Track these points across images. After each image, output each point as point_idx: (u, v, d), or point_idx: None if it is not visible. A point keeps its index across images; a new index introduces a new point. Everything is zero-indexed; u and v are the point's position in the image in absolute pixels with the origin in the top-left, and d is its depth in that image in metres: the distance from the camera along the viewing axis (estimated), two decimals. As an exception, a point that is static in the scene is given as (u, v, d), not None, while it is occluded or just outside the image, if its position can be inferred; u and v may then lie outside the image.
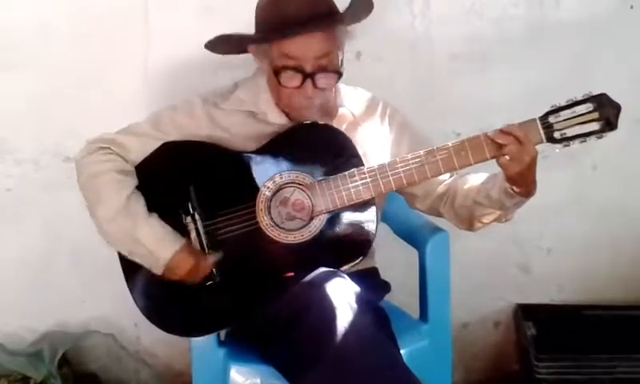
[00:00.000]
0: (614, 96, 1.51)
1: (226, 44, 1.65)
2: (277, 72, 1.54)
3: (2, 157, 2.11)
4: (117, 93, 2.06)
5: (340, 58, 1.59)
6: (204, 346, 1.67)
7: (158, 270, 1.55)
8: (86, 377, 2.12)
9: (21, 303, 2.16)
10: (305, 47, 1.52)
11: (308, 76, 1.53)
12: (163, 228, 1.57)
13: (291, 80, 1.55)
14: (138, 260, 1.57)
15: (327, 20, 1.55)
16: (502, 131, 1.49)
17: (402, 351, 1.48)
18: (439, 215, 1.75)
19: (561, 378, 1.99)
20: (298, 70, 1.53)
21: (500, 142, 1.48)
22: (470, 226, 1.69)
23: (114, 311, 2.15)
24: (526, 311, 2.21)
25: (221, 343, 1.70)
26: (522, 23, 2.12)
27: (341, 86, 1.68)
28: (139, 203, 1.58)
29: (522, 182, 1.52)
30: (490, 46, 2.13)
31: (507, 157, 1.47)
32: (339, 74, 1.58)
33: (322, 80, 1.55)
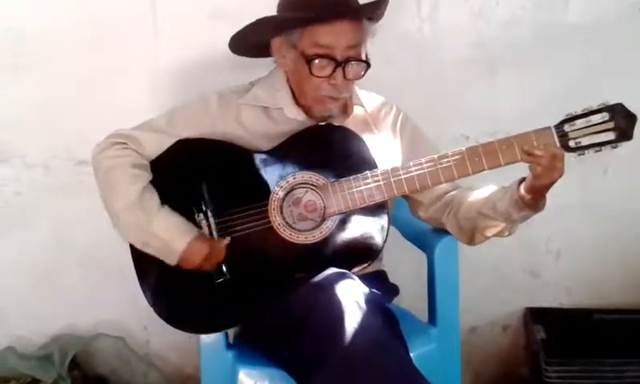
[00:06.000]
0: (622, 100, 1.51)
1: (255, 34, 1.64)
2: (309, 61, 1.56)
3: (12, 161, 2.12)
4: (126, 97, 2.07)
5: (365, 52, 1.61)
6: (213, 349, 1.68)
7: (172, 261, 1.57)
8: (96, 380, 2.12)
9: (31, 306, 2.16)
10: (337, 35, 1.55)
11: (339, 64, 1.55)
12: (176, 219, 1.58)
13: (323, 69, 1.56)
14: (151, 252, 1.58)
15: (367, 6, 1.58)
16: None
17: (410, 354, 1.47)
18: (441, 225, 1.74)
19: (570, 382, 1.98)
20: (329, 57, 1.55)
21: (537, 153, 1.48)
22: (470, 239, 1.69)
23: (124, 314, 2.16)
24: (535, 315, 2.21)
25: (229, 346, 1.70)
26: (531, 27, 2.12)
27: (355, 88, 1.70)
28: (153, 196, 1.60)
29: (539, 195, 1.52)
30: (499, 50, 2.13)
31: (540, 168, 1.47)
32: (368, 65, 1.59)
33: (351, 69, 1.57)
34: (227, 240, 1.58)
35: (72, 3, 2.04)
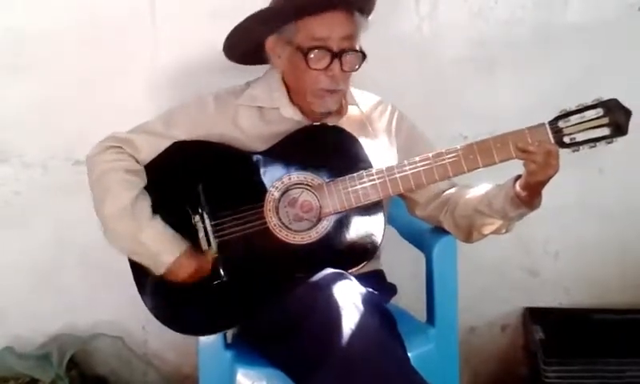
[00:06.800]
0: (621, 99, 1.51)
1: (249, 31, 1.64)
2: (305, 54, 1.57)
3: (11, 160, 2.12)
4: (125, 97, 2.08)
5: (359, 45, 1.62)
6: (211, 349, 1.68)
7: (159, 272, 1.57)
8: (94, 379, 2.13)
9: (29, 306, 2.16)
10: (332, 26, 1.57)
11: (335, 55, 1.57)
12: (167, 231, 1.59)
13: (320, 60, 1.58)
14: (139, 260, 1.59)
15: None
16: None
17: (408, 355, 1.47)
18: (438, 223, 1.75)
19: (569, 382, 1.98)
20: (325, 49, 1.57)
21: (531, 150, 1.48)
22: (467, 237, 1.69)
23: (123, 314, 2.16)
24: (533, 315, 2.21)
25: (227, 346, 1.70)
26: (530, 27, 2.12)
27: (350, 88, 1.70)
28: (145, 205, 1.60)
29: (535, 193, 1.52)
30: (498, 49, 2.13)
31: (534, 165, 1.47)
32: (363, 56, 1.61)
33: (348, 60, 1.59)
34: (214, 254, 1.58)
35: (72, 3, 2.04)
